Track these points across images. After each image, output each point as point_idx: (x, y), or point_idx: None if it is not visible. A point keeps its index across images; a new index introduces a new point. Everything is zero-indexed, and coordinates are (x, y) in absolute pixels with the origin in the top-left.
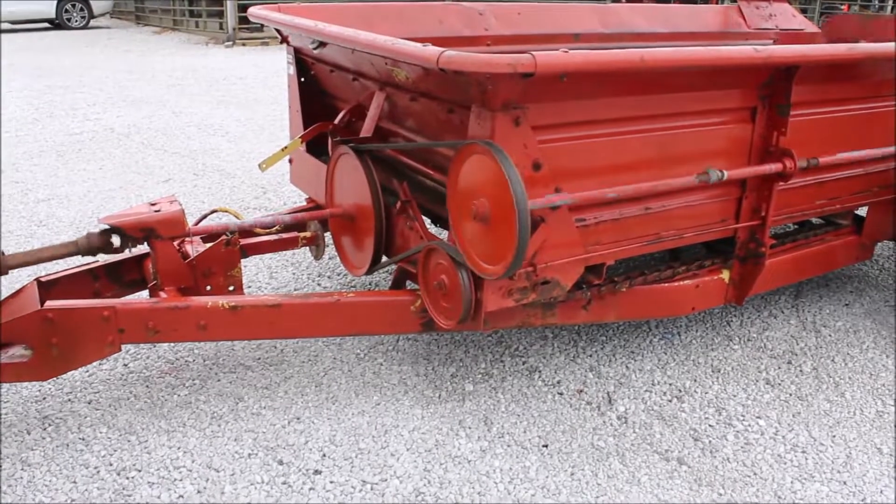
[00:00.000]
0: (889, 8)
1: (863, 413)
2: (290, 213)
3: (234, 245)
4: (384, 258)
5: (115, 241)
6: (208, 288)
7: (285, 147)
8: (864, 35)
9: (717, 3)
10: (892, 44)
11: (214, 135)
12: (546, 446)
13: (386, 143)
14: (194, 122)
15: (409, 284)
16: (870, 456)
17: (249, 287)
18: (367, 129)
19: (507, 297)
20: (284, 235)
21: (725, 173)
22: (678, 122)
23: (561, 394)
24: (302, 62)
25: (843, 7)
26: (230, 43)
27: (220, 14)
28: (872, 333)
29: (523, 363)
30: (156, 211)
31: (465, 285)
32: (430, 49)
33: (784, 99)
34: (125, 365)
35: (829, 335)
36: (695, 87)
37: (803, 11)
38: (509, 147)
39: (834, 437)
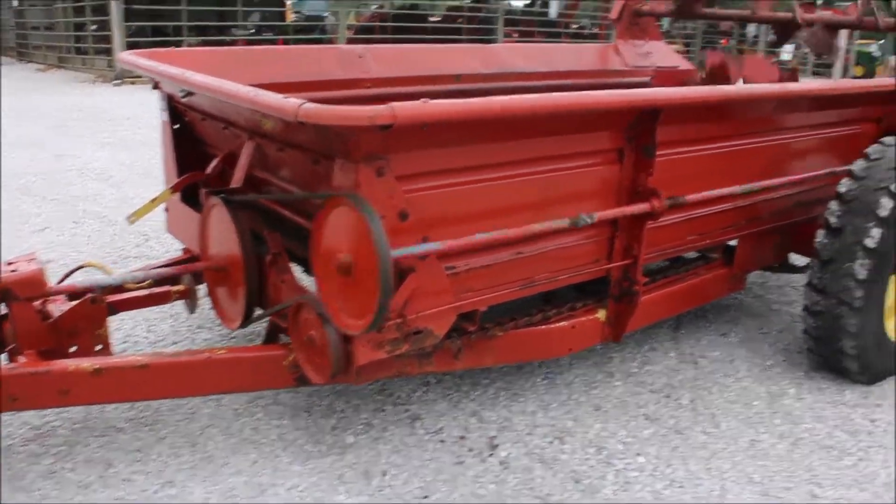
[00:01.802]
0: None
1: (737, 443)
2: (161, 267)
3: (100, 302)
4: (258, 311)
5: None
6: (73, 349)
7: (155, 198)
8: (738, 73)
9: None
10: (752, 86)
11: (97, 179)
12: (427, 497)
13: (253, 194)
14: (76, 166)
15: (284, 338)
16: (742, 486)
17: (125, 342)
18: (237, 180)
19: (379, 350)
20: (156, 290)
21: (595, 216)
22: (547, 165)
23: (443, 441)
24: (175, 109)
25: (722, 41)
26: (119, 81)
27: (108, 51)
28: (747, 362)
29: (405, 411)
30: (12, 271)
31: (333, 340)
32: (290, 101)
33: (649, 140)
34: None
35: (707, 366)
36: (562, 130)
37: (687, 45)
38: (374, 198)
39: (709, 469)
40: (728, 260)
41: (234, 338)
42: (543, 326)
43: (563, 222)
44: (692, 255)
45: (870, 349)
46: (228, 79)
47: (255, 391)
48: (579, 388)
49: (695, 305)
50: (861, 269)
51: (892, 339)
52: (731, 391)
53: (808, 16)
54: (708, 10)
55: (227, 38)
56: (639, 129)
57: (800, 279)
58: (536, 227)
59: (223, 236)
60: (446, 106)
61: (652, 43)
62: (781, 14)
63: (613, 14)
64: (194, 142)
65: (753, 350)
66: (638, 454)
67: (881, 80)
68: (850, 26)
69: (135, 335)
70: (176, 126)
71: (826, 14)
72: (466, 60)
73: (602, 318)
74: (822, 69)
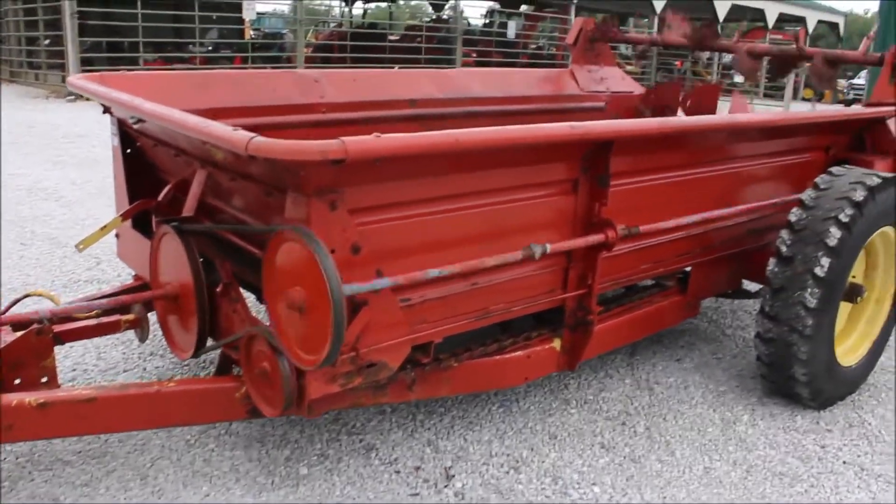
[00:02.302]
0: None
1: (691, 471)
2: (111, 296)
3: (46, 333)
4: (210, 341)
5: None
6: (17, 381)
7: (105, 226)
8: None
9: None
10: (703, 117)
11: (47, 199)
12: None
13: (205, 224)
14: (26, 185)
15: (236, 368)
16: None
17: (74, 370)
18: (188, 208)
19: (332, 383)
20: (105, 319)
21: (548, 247)
22: (503, 196)
23: (398, 472)
24: (126, 133)
25: (676, 63)
26: (72, 97)
27: (62, 66)
28: (701, 388)
29: (360, 441)
30: None
31: (285, 373)
32: (240, 134)
33: (603, 170)
34: None
35: (662, 392)
36: (517, 162)
37: (643, 67)
38: (326, 232)
39: (664, 497)
40: (682, 287)
41: (186, 365)
42: (499, 356)
43: (517, 255)
44: (647, 282)
45: (820, 375)
46: (182, 104)
47: (207, 423)
48: (535, 416)
49: (650, 332)
50: (811, 297)
51: (843, 364)
52: (686, 418)
53: (811, 50)
54: (716, 43)
55: (185, 54)
56: (593, 160)
57: (753, 304)
58: (490, 260)
59: (174, 265)
60: (399, 140)
61: (607, 68)
62: (785, 48)
63: (569, 39)
64: (146, 167)
65: (707, 376)
66: (593, 483)
67: (828, 111)
68: (853, 61)
69: (84, 363)
70: (128, 151)
71: (825, 50)
72: (422, 85)
73: (557, 348)
74: (774, 91)
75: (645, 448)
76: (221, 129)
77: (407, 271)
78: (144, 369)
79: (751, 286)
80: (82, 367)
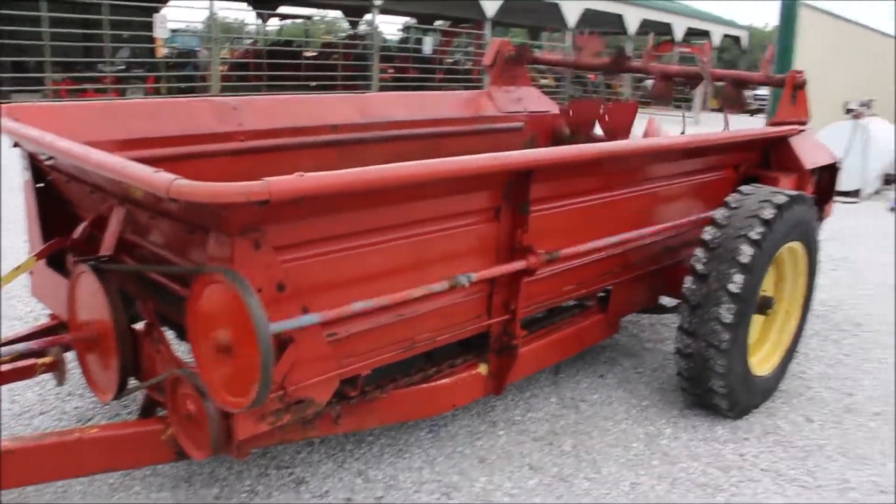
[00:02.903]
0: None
1: (618, 487)
2: (26, 338)
3: None
4: (133, 382)
5: None
6: None
7: (19, 266)
8: (604, 118)
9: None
10: (618, 143)
11: None
12: None
13: (124, 263)
14: None
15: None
16: None
17: None
18: (107, 247)
19: (260, 423)
20: (19, 364)
21: (473, 276)
22: (427, 227)
23: None
24: (38, 168)
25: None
26: None
27: None
28: (625, 403)
29: (290, 475)
30: None
31: (212, 415)
32: (161, 177)
33: (524, 198)
34: None
35: (587, 409)
36: (441, 193)
37: (558, 80)
38: (251, 271)
39: None
40: (603, 306)
41: (107, 406)
42: (426, 385)
43: (443, 285)
44: (569, 303)
45: (737, 387)
46: (97, 135)
47: (134, 468)
48: (464, 440)
49: (574, 352)
50: (727, 313)
51: (757, 374)
52: (611, 434)
53: (719, 72)
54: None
55: (95, 74)
56: (514, 188)
57: (671, 318)
58: (415, 291)
59: (93, 305)
60: (323, 178)
61: (523, 88)
62: (691, 68)
63: (486, 60)
64: (60, 203)
65: (630, 391)
66: None
67: (738, 132)
68: (758, 83)
69: None
70: (40, 185)
71: (733, 72)
72: (343, 110)
73: (484, 373)
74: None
75: (573, 467)
76: (142, 171)
77: (332, 306)
78: (63, 411)
79: (668, 302)
80: None
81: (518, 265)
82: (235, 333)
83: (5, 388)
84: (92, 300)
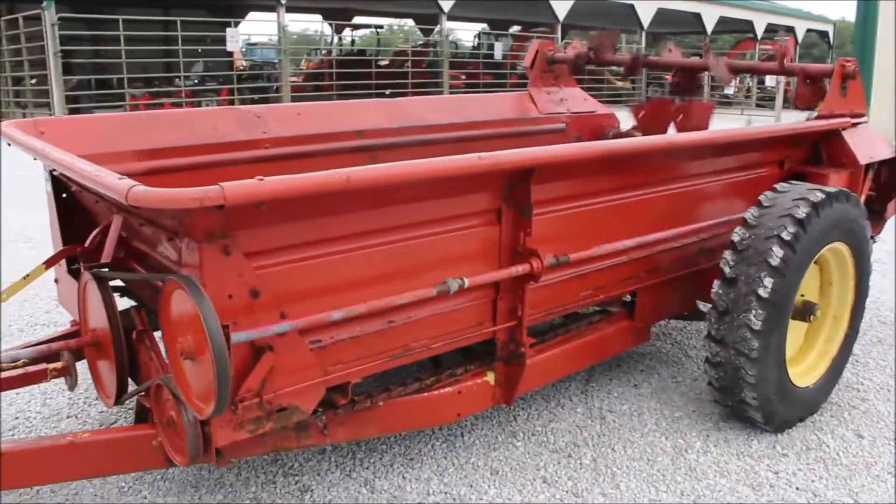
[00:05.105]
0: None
1: None
2: (37, 345)
3: None
4: (134, 387)
5: None
6: None
7: (28, 274)
8: (678, 118)
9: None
10: (636, 139)
11: (15, 241)
12: None
13: (114, 272)
14: None
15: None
16: None
17: (17, 418)
18: (106, 254)
19: (239, 430)
20: (31, 369)
21: (466, 281)
22: (419, 230)
23: None
24: (59, 179)
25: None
26: None
27: (48, 105)
28: (656, 414)
29: (296, 483)
30: None
31: (188, 421)
32: (123, 183)
33: (525, 200)
34: None
35: (614, 420)
36: (432, 195)
37: (633, 82)
38: (220, 277)
39: None
40: (630, 312)
41: (131, 410)
42: (427, 394)
43: (430, 292)
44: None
45: (772, 398)
46: (121, 146)
47: (128, 473)
48: (479, 451)
49: (596, 361)
50: (756, 319)
51: (798, 385)
52: (636, 447)
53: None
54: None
55: (172, 88)
56: (514, 189)
57: None
58: (401, 297)
59: (96, 311)
60: (282, 182)
61: (567, 89)
62: (697, 60)
63: (526, 62)
64: (80, 212)
65: (664, 401)
66: None
67: (778, 126)
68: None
69: (28, 410)
70: (63, 196)
71: (804, 65)
72: (371, 115)
73: (492, 381)
74: (767, 101)
75: (589, 481)
76: (108, 178)
77: (314, 312)
78: (89, 415)
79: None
80: (25, 414)
81: (520, 270)
82: (196, 339)
83: (39, 390)
84: (96, 306)
